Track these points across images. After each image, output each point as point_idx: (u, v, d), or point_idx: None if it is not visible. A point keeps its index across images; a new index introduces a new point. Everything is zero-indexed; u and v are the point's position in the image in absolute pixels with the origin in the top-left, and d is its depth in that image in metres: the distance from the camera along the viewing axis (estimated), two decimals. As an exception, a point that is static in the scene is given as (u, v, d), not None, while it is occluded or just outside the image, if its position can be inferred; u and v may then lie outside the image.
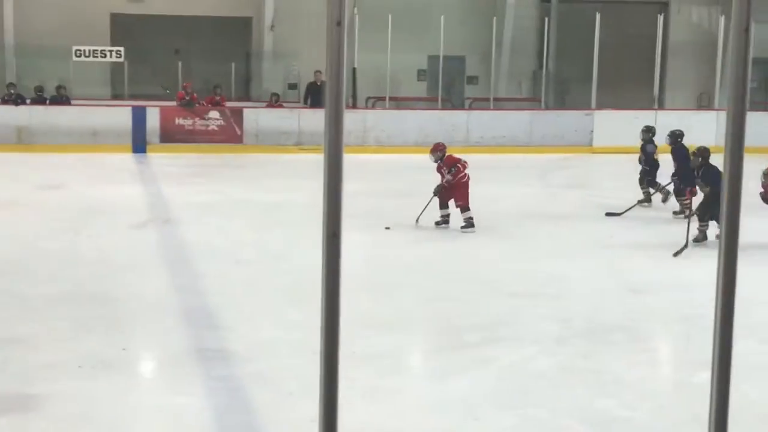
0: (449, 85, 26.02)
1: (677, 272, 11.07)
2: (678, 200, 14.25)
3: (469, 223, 12.80)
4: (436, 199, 12.97)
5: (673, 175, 14.37)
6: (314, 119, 22.22)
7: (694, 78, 28.04)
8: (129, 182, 17.42)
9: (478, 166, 19.68)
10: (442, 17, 23.57)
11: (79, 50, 23.15)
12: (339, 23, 2.21)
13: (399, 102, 24.85)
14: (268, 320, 8.73)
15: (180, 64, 25.12)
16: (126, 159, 20.48)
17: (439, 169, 13.04)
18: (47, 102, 22.23)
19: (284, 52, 26.62)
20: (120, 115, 21.69)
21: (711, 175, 12.24)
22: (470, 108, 25.66)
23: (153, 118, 21.74)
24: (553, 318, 8.96)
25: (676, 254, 11.56)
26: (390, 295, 9.41)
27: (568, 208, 15.25)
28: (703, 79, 27.16)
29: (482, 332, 8.46)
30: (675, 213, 14.26)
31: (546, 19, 26.33)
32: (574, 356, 7.90)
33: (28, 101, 21.95)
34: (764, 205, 11.95)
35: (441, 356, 8.01)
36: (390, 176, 18.09)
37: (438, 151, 13.16)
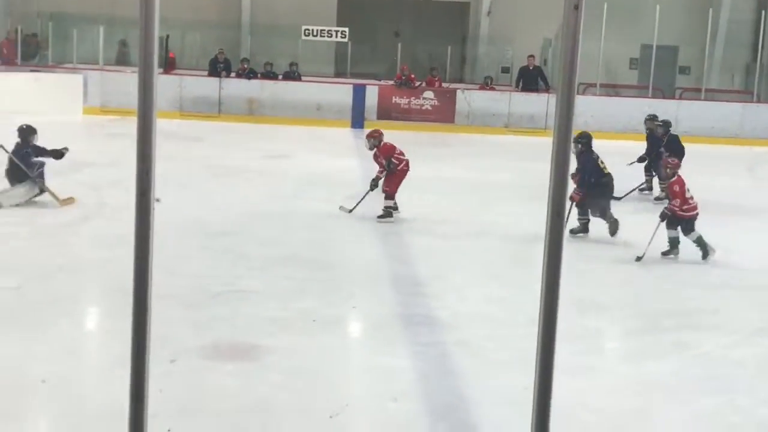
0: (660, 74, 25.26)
1: None
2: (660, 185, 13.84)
3: (387, 213, 11.60)
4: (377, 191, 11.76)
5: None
6: (524, 102, 22.10)
7: None
8: (347, 155, 17.76)
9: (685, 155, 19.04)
10: (657, 7, 22.86)
11: (308, 30, 23.72)
12: (576, 7, 2.19)
13: (609, 89, 24.34)
14: (472, 292, 8.78)
15: (399, 45, 25.39)
16: (345, 133, 20.92)
17: (375, 159, 11.78)
18: (279, 77, 22.95)
19: (499, 36, 26.51)
20: (342, 92, 22.18)
21: (587, 163, 11.03)
22: (681, 98, 24.82)
23: (372, 96, 22.13)
24: (754, 309, 8.63)
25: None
26: (584, 276, 9.24)
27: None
28: None
29: (680, 318, 8.25)
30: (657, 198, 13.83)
31: (762, 12, 25.12)
32: (776, 348, 7.59)
33: (258, 75, 22.73)
34: None
35: (639, 339, 7.85)
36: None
37: (373, 137, 11.82)
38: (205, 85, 22.01)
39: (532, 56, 23.16)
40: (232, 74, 22.56)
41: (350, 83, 22.76)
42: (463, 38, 27.92)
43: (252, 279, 8.80)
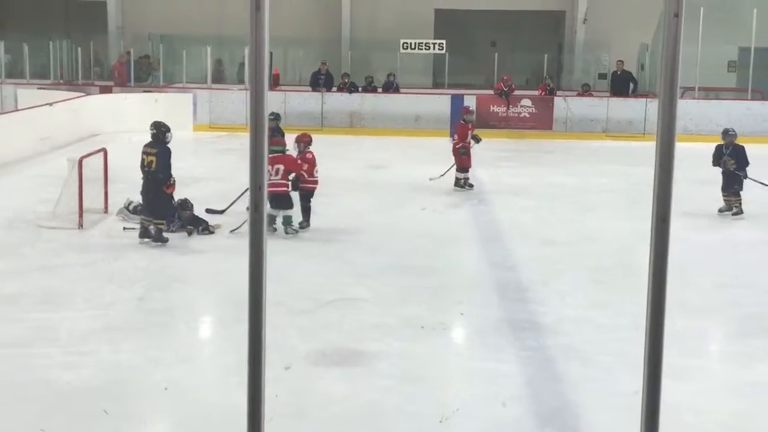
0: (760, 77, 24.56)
1: None
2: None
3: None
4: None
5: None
6: (622, 108, 21.79)
7: None
8: (446, 164, 17.73)
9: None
10: (755, 10, 22.30)
11: (406, 43, 23.84)
12: (677, 15, 2.17)
13: (708, 92, 23.80)
14: (576, 297, 8.70)
15: (496, 55, 25.28)
16: (444, 143, 20.79)
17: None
18: (378, 90, 23.08)
19: (595, 43, 26.22)
20: (440, 103, 22.21)
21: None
22: (781, 100, 24.14)
23: (470, 106, 22.07)
24: None
25: None
26: (688, 278, 9.06)
27: None
28: None
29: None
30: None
31: None
32: None
33: (359, 89, 22.90)
34: None
35: (744, 342, 7.67)
36: (695, 164, 17.29)
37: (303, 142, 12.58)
38: (308, 101, 22.29)
39: (620, 61, 22.94)
40: (334, 89, 22.79)
41: (448, 93, 22.76)
42: (560, 46, 27.69)
43: (359, 286, 8.88)
